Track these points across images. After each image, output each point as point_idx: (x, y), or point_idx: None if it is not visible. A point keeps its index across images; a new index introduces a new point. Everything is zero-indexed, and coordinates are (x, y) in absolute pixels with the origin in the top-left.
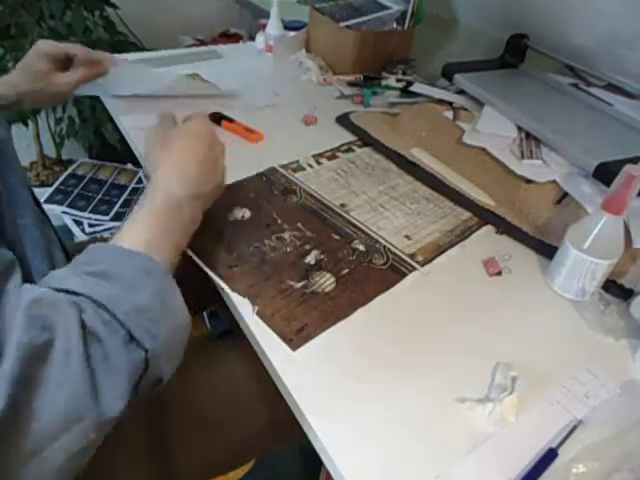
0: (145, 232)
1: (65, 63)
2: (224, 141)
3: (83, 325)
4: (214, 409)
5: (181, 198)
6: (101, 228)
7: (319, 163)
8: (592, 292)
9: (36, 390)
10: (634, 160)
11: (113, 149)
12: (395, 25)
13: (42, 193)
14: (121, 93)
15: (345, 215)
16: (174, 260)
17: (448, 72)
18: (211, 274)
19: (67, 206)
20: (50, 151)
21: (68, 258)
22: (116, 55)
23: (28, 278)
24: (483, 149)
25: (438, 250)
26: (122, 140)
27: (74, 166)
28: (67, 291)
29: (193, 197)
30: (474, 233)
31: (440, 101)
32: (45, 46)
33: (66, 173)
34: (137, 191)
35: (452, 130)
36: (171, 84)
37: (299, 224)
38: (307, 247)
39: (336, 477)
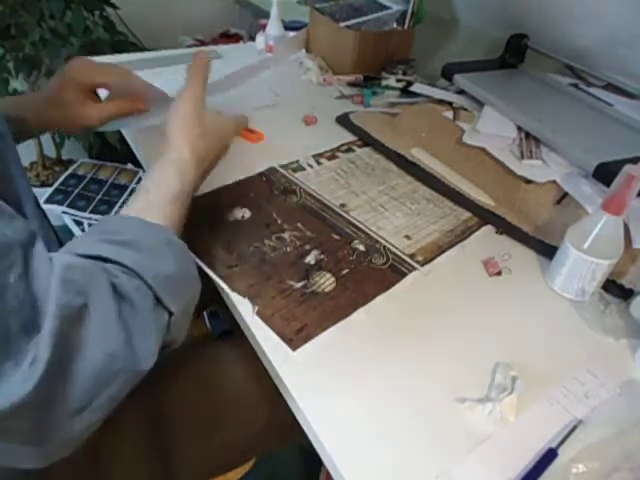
0: (160, 210)
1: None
2: None
3: (115, 289)
4: (214, 409)
5: (191, 188)
6: None
7: (319, 163)
8: (592, 292)
9: (76, 352)
10: (634, 160)
11: (113, 149)
12: (395, 25)
13: (42, 193)
14: (152, 123)
15: (345, 215)
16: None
17: (448, 72)
18: (211, 274)
19: (67, 206)
20: (50, 151)
21: None
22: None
23: None
24: (483, 149)
25: (438, 250)
26: (122, 140)
27: (74, 166)
28: (96, 257)
29: (197, 187)
30: (474, 233)
31: (440, 101)
32: (77, 71)
33: (66, 173)
34: None
35: (452, 130)
36: None
37: (299, 224)
38: (307, 247)
39: (336, 477)
